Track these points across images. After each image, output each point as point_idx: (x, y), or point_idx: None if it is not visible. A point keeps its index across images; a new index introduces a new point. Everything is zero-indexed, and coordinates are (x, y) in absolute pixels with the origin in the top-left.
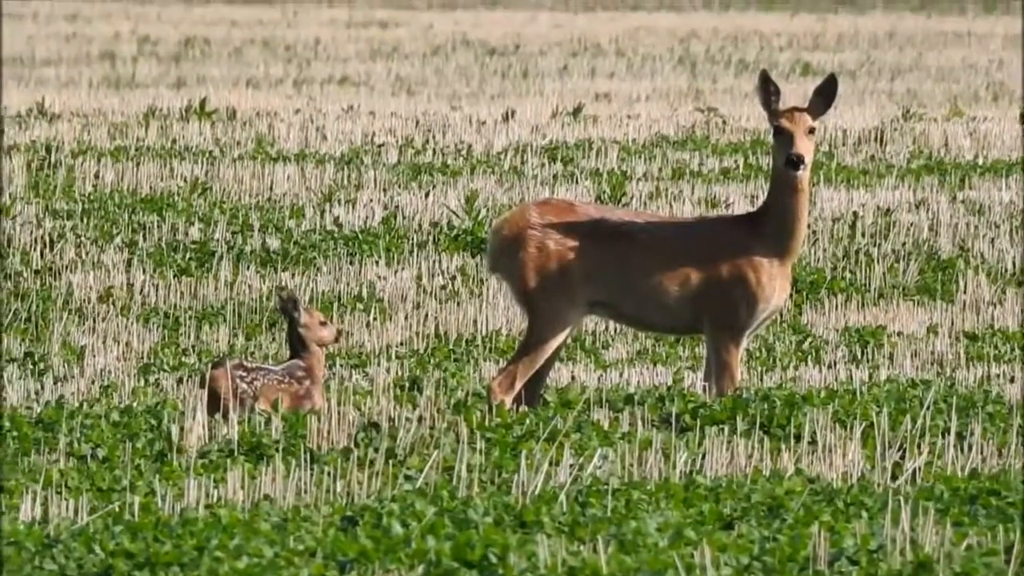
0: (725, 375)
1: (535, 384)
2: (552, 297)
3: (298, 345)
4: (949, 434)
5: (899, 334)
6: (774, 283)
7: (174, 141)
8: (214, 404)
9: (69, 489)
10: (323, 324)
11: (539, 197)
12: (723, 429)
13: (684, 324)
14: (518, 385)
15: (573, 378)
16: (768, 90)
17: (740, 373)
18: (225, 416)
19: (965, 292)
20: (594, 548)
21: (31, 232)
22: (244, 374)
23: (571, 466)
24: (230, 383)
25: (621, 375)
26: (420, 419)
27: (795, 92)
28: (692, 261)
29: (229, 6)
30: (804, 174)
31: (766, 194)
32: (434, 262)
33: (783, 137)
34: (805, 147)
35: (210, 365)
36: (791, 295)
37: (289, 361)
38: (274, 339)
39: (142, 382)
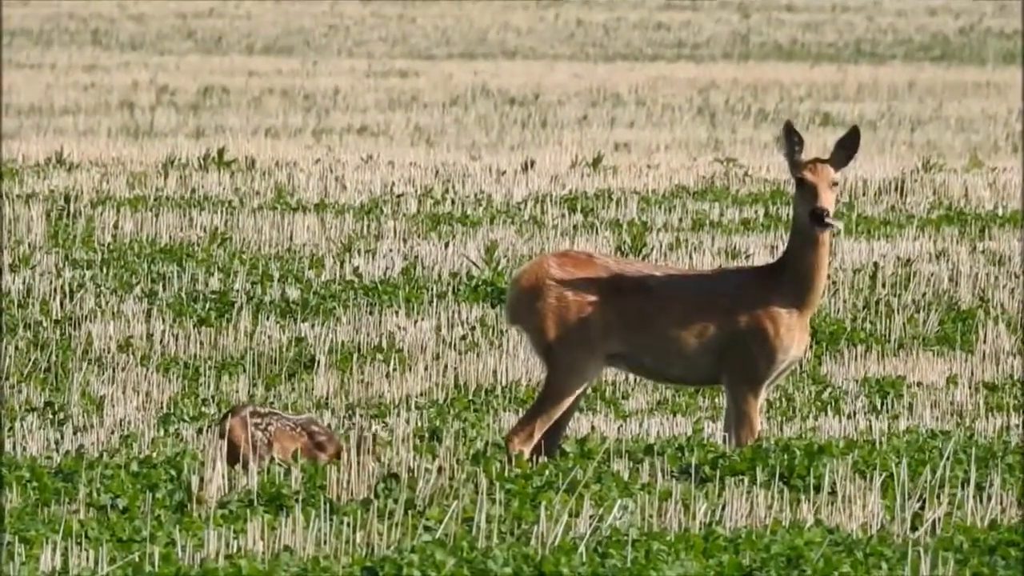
0: (744, 426)
1: (554, 435)
2: (571, 349)
3: None
4: (969, 485)
5: (919, 384)
6: (792, 334)
7: (193, 191)
8: (233, 454)
9: (89, 540)
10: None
11: (558, 249)
12: (743, 480)
13: (703, 376)
14: (536, 436)
15: (593, 428)
16: (792, 141)
17: (760, 424)
18: (245, 466)
19: (985, 342)
20: None
21: (51, 282)
22: (259, 420)
23: (591, 517)
24: (248, 432)
25: (641, 425)
26: (440, 470)
27: (815, 143)
28: (711, 313)
29: (248, 56)
30: (827, 234)
31: (786, 245)
32: (454, 312)
33: (806, 190)
34: (828, 200)
35: (227, 414)
36: (810, 346)
37: (308, 415)
38: (293, 389)
39: (162, 432)
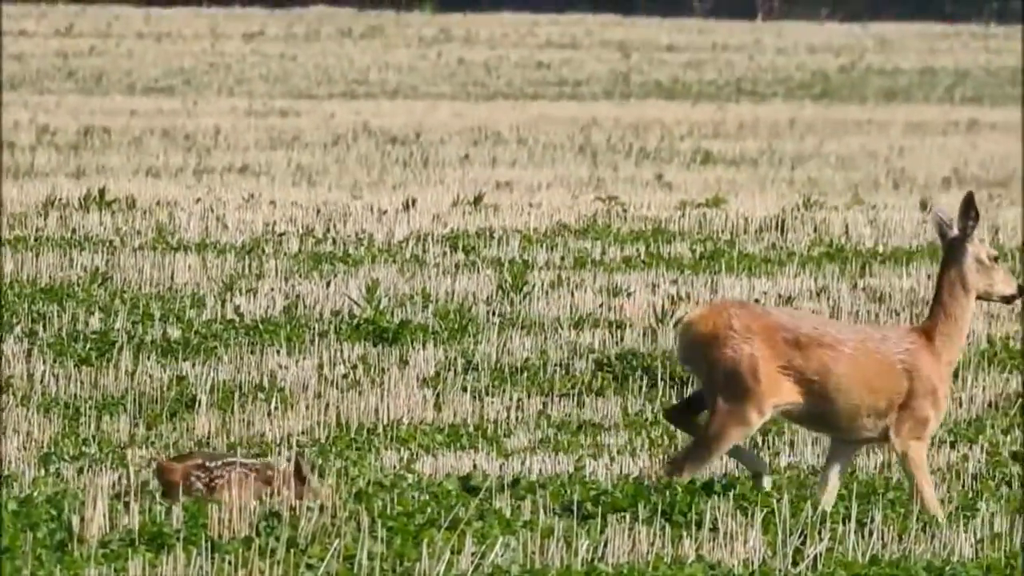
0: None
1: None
2: (742, 401)
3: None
4: (850, 520)
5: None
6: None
7: (74, 231)
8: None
9: None
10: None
11: (733, 299)
12: (625, 516)
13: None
14: (686, 476)
15: (475, 466)
16: (968, 215)
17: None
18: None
19: None
20: None
21: None
22: (201, 474)
23: (473, 554)
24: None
25: (523, 463)
26: (321, 508)
27: (696, 179)
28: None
29: (128, 96)
30: None
31: (942, 305)
32: (335, 351)
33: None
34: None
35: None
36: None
37: (266, 461)
38: (175, 428)
39: (42, 471)
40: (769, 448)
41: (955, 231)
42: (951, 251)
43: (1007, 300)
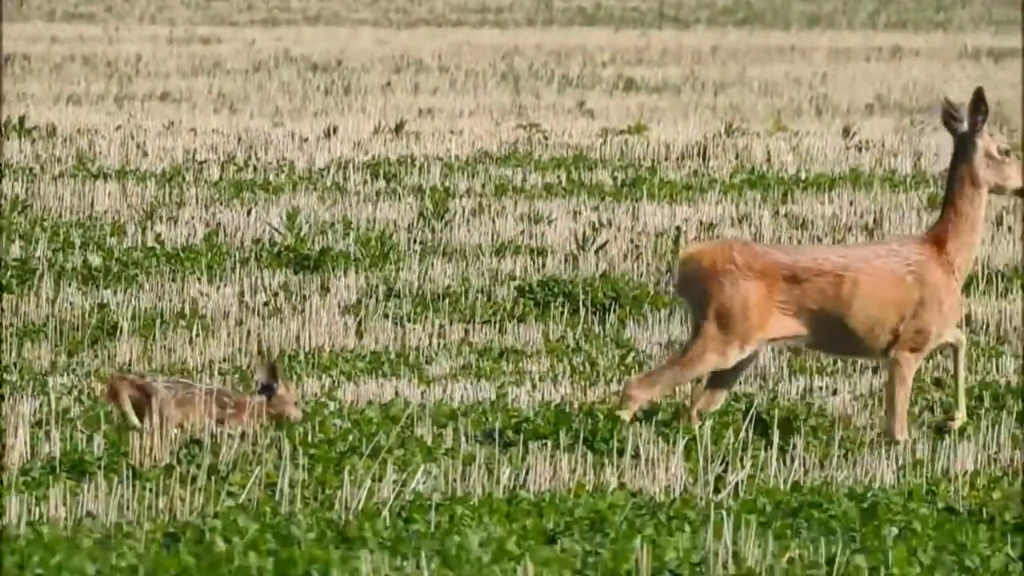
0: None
1: (714, 396)
2: (729, 332)
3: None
4: (772, 447)
5: None
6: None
7: None
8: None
9: None
10: (295, 404)
11: (736, 237)
12: (546, 444)
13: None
14: (657, 394)
15: (396, 393)
16: (979, 110)
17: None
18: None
19: None
20: (417, 564)
21: None
22: (170, 386)
23: (394, 482)
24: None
25: (444, 390)
26: (242, 435)
27: (619, 106)
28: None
29: (49, 23)
30: None
31: (953, 203)
32: (256, 279)
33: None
34: None
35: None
36: (614, 309)
37: (219, 386)
38: (96, 355)
39: None
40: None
41: (965, 126)
42: (961, 147)
43: (1021, 193)
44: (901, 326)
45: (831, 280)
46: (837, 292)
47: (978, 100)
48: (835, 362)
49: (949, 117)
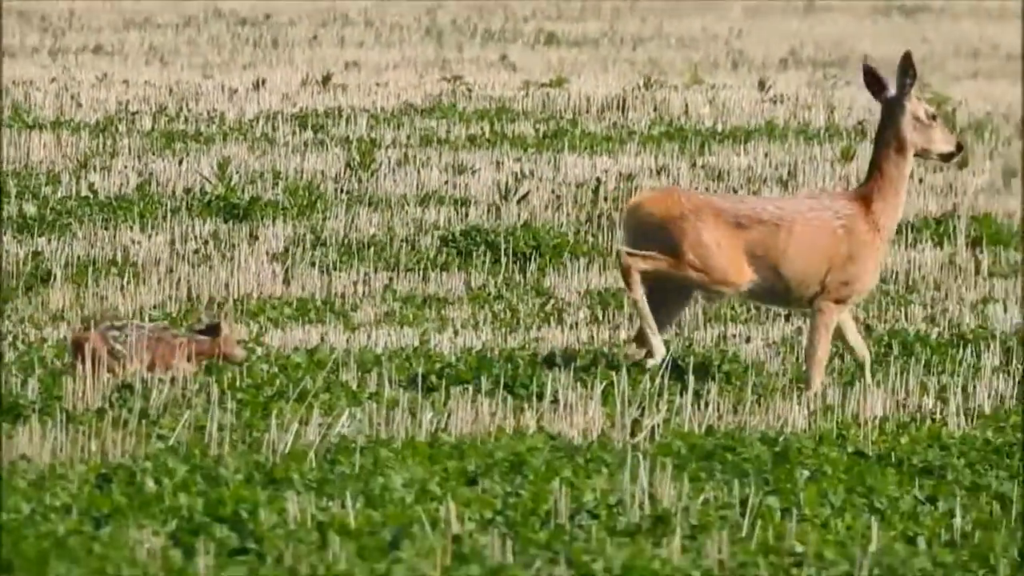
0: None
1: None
2: (719, 269)
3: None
4: (687, 392)
5: None
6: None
7: None
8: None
9: None
10: (239, 343)
11: (677, 187)
12: (468, 388)
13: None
14: (647, 266)
15: (322, 339)
16: (907, 73)
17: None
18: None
19: None
20: (342, 504)
21: None
22: (116, 334)
23: (320, 425)
24: (108, 346)
25: (369, 337)
26: (172, 380)
27: (539, 60)
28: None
29: None
30: None
31: (879, 166)
32: (187, 227)
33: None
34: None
35: (83, 328)
36: (534, 258)
37: (163, 323)
38: (30, 302)
39: None
40: (609, 322)
41: (892, 91)
42: (888, 110)
43: (945, 158)
44: (828, 277)
45: (770, 228)
46: (775, 240)
47: (906, 64)
48: (749, 310)
49: (873, 80)
